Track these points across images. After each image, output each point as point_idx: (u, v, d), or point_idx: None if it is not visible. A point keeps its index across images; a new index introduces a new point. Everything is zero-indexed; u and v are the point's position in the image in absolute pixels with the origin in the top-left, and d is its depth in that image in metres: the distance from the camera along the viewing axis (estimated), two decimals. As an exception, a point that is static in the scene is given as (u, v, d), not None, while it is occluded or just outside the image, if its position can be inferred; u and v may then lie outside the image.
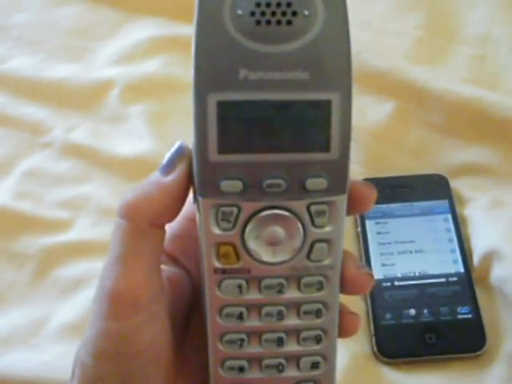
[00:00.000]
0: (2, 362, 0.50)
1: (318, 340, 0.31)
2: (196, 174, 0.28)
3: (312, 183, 0.28)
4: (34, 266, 0.56)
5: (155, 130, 0.64)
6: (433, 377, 0.50)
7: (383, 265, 0.55)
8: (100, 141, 0.64)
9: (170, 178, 0.29)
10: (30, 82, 0.68)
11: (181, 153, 0.29)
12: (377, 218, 0.57)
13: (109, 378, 0.30)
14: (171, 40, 0.70)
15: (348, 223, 0.57)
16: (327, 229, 0.29)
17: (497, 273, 0.53)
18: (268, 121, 0.27)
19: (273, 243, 0.29)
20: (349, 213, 0.30)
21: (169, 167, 0.29)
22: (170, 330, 0.31)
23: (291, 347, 0.31)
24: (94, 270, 0.54)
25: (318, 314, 0.31)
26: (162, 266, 0.32)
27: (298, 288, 0.30)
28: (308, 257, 0.30)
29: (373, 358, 0.51)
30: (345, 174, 0.28)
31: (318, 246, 0.29)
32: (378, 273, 0.54)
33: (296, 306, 0.31)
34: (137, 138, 0.64)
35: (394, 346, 0.51)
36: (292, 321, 0.31)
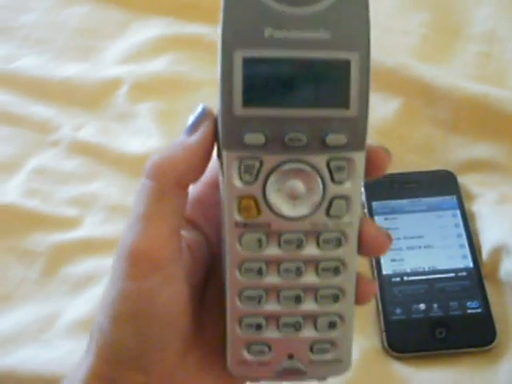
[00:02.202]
0: (12, 359, 0.51)
1: (335, 299, 0.32)
2: (221, 128, 0.29)
3: (332, 138, 0.29)
4: (44, 264, 0.57)
5: (163, 128, 0.64)
6: (443, 371, 0.50)
7: (392, 260, 0.55)
8: (108, 139, 0.64)
9: (193, 137, 0.30)
10: (38, 82, 0.68)
11: (204, 114, 0.31)
12: (385, 213, 0.57)
13: (127, 340, 0.31)
14: (178, 39, 0.71)
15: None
16: (346, 185, 0.30)
17: (506, 267, 0.53)
18: (291, 77, 0.28)
19: (293, 197, 0.30)
20: (365, 176, 0.30)
21: (193, 128, 0.31)
22: (187, 293, 0.32)
23: (309, 305, 0.32)
24: (104, 267, 0.54)
25: (335, 271, 0.31)
26: (182, 232, 0.32)
27: (317, 244, 0.31)
28: (327, 213, 0.30)
29: (383, 353, 0.51)
30: (363, 131, 0.29)
31: (336, 202, 0.30)
32: (388, 268, 0.54)
33: (314, 263, 0.31)
34: (145, 136, 0.64)
35: (404, 340, 0.51)
36: (310, 278, 0.31)
